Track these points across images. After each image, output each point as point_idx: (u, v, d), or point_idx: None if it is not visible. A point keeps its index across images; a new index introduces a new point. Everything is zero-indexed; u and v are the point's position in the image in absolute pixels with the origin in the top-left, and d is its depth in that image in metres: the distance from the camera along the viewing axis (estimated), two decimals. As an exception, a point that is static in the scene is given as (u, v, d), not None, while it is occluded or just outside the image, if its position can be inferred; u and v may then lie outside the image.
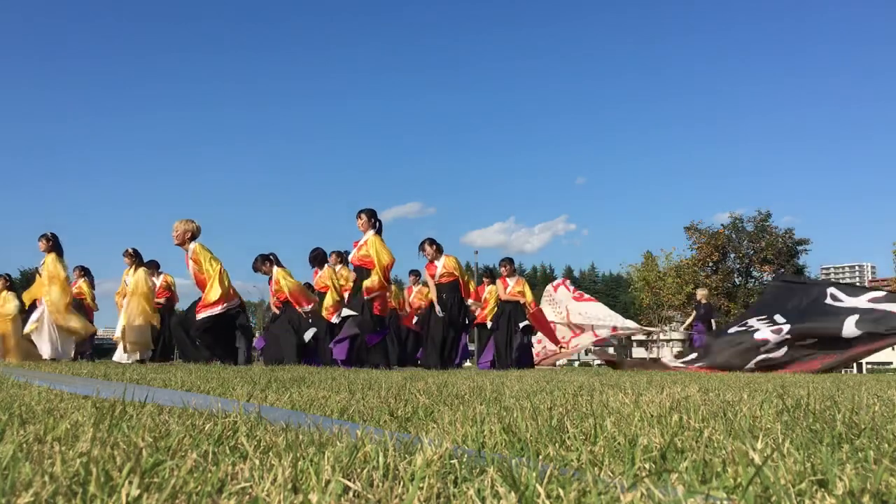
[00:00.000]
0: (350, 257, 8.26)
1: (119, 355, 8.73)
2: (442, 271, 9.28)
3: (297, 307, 8.97)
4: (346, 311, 8.11)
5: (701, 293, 14.37)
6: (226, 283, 7.84)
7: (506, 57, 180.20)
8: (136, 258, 9.87)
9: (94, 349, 13.06)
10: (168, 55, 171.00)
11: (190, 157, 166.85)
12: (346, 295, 9.69)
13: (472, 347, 14.31)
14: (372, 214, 8.12)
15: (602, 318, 13.54)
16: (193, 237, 7.76)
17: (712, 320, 13.54)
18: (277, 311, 9.37)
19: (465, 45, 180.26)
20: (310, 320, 9.11)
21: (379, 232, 8.11)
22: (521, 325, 10.66)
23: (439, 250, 9.35)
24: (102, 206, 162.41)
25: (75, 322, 8.89)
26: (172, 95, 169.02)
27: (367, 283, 7.82)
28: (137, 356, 8.83)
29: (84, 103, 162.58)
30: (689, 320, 14.88)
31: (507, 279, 10.87)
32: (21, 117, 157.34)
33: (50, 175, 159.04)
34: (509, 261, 11.04)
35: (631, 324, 14.19)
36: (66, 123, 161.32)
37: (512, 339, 10.65)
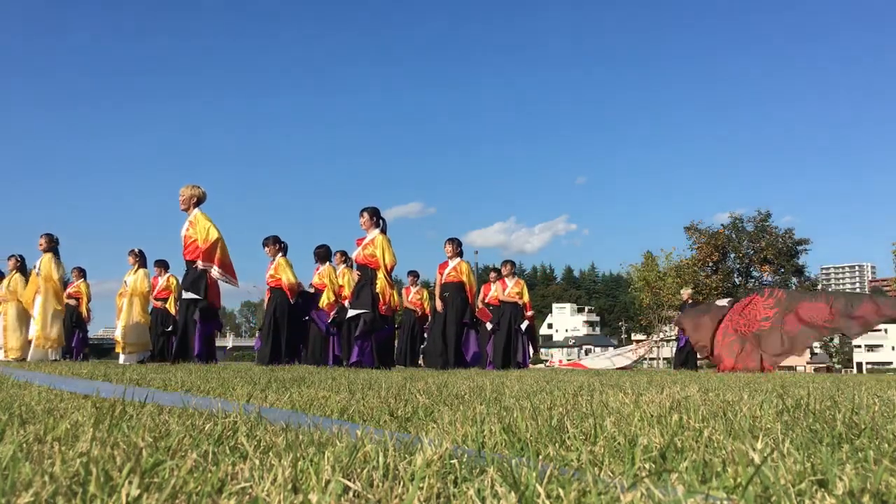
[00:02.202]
0: (354, 255, 8.18)
1: (123, 357, 8.74)
2: (451, 271, 9.35)
3: (291, 297, 9.09)
4: (353, 311, 7.96)
5: (686, 293, 14.43)
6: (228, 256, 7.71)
7: (507, 57, 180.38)
8: (140, 258, 9.85)
9: (94, 349, 13.09)
10: (169, 53, 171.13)
11: (190, 157, 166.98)
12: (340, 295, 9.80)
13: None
14: (375, 213, 8.04)
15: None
16: (199, 202, 7.61)
17: None
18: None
19: (466, 45, 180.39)
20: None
21: (384, 231, 8.04)
22: (523, 326, 10.73)
23: (459, 253, 9.50)
24: (104, 206, 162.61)
25: (55, 333, 8.82)
26: (173, 94, 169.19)
27: (379, 288, 7.77)
28: (136, 357, 8.83)
29: (85, 101, 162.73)
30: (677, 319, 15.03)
31: (507, 280, 10.94)
32: (21, 116, 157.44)
33: (51, 174, 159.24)
34: (510, 263, 11.10)
35: (624, 351, 14.62)
36: (66, 122, 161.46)
37: (512, 340, 10.71)
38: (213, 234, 7.48)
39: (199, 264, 7.43)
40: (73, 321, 11.97)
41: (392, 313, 8.64)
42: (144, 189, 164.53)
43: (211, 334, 7.74)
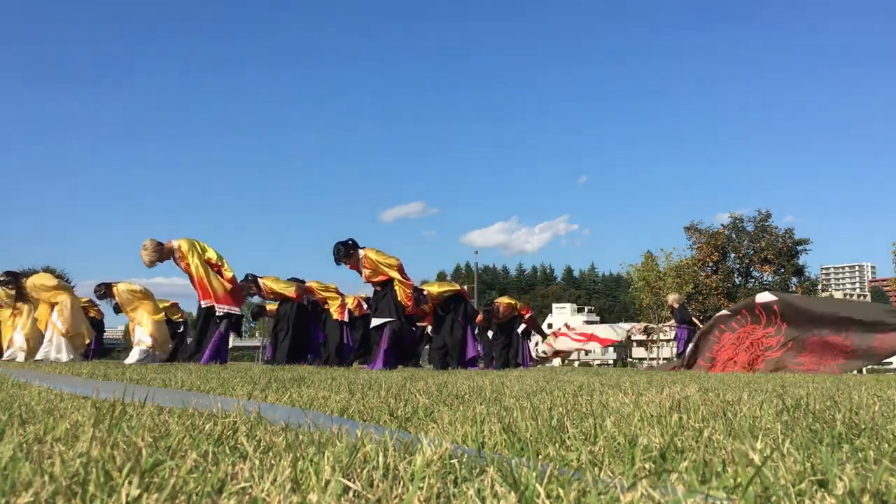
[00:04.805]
0: (364, 280, 7.88)
1: (133, 356, 8.68)
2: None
3: (300, 301, 9.18)
4: (377, 321, 7.70)
5: (672, 298, 14.47)
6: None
7: (509, 57, 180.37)
8: (105, 291, 9.72)
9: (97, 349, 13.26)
10: (166, 54, 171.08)
11: (190, 157, 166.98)
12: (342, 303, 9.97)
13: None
14: (342, 247, 7.69)
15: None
16: (163, 254, 7.71)
17: (693, 319, 13.82)
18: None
19: (468, 44, 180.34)
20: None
21: (361, 247, 7.80)
22: (520, 329, 10.87)
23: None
24: (105, 207, 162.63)
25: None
26: (172, 95, 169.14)
27: (402, 300, 7.56)
28: (164, 353, 8.84)
29: (85, 103, 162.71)
30: (668, 326, 15.20)
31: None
32: (23, 117, 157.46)
33: (51, 175, 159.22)
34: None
35: (625, 326, 14.73)
36: (67, 124, 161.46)
37: (511, 341, 10.83)
38: (200, 270, 7.64)
39: (218, 310, 7.59)
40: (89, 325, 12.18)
41: (422, 312, 8.64)
42: (143, 190, 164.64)
43: (223, 342, 7.80)
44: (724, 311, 9.47)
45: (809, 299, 9.42)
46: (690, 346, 9.56)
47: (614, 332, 15.89)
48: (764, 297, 9.02)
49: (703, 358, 9.09)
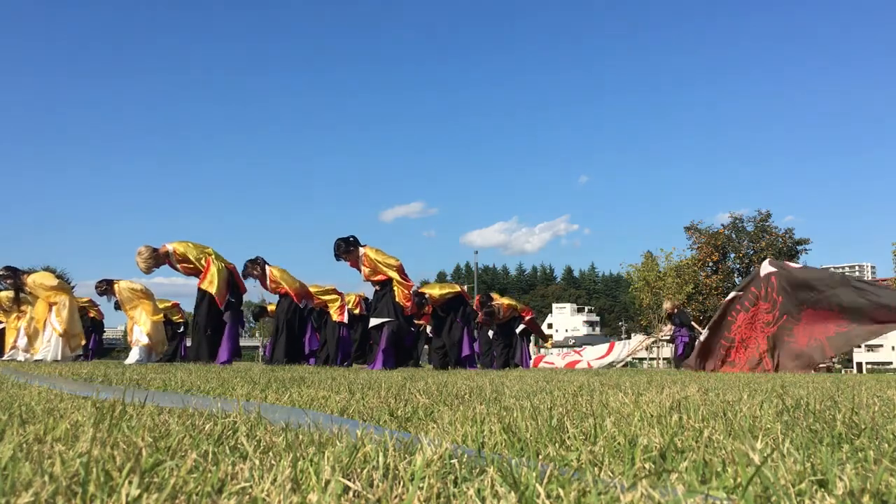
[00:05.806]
0: (363, 278, 7.86)
1: (133, 357, 8.68)
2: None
3: (298, 302, 9.14)
4: (375, 321, 7.68)
5: (667, 304, 14.40)
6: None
7: (509, 56, 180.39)
8: (107, 287, 9.75)
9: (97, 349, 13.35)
10: (165, 53, 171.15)
11: (190, 158, 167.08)
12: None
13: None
14: (343, 244, 7.68)
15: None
16: (159, 259, 7.69)
17: (692, 323, 13.79)
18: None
19: (467, 44, 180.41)
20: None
21: (362, 244, 7.78)
22: (518, 329, 10.95)
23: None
24: (106, 206, 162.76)
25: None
26: (173, 93, 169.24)
27: (401, 301, 7.53)
28: (158, 354, 8.84)
29: (89, 105, 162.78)
30: (667, 330, 15.09)
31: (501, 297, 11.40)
32: (25, 119, 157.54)
33: (52, 174, 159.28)
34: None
35: (630, 344, 14.99)
36: (71, 127, 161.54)
37: (511, 342, 10.92)
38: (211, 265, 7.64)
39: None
40: (89, 325, 12.26)
41: (421, 312, 8.65)
42: (143, 189, 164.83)
43: (238, 333, 7.79)
44: (733, 293, 9.29)
45: (810, 270, 9.18)
46: (700, 340, 9.38)
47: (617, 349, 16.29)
48: (765, 268, 8.92)
49: (724, 338, 8.95)
